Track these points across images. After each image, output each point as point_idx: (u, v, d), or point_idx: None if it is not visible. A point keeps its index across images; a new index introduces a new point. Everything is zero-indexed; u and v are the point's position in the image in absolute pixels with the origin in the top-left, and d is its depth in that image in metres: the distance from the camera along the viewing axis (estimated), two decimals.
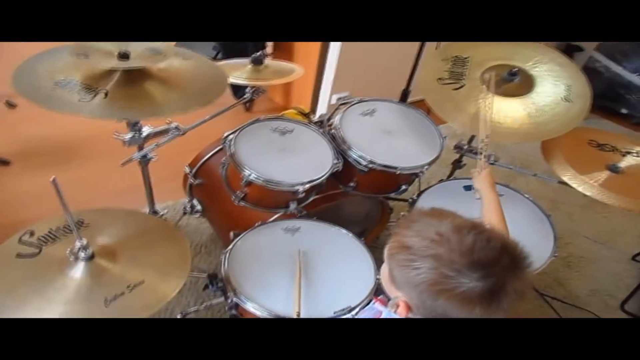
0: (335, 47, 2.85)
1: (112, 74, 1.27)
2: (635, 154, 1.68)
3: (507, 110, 1.60)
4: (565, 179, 1.59)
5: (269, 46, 3.37)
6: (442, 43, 1.86)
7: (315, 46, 2.99)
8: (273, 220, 1.52)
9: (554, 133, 1.57)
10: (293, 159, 1.51)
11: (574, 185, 1.57)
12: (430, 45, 1.92)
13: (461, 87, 1.68)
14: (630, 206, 1.53)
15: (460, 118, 1.59)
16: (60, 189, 0.89)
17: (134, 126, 1.37)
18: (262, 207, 1.51)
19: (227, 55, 2.81)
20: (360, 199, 1.76)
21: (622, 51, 3.78)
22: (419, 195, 1.69)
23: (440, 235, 0.74)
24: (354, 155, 1.54)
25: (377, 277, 1.34)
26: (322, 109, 3.15)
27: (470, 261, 0.70)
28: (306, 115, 1.81)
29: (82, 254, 1.02)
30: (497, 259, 0.71)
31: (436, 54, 1.76)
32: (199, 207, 1.87)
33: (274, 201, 1.50)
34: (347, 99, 2.38)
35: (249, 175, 1.38)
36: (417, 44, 2.05)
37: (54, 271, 1.02)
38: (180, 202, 2.12)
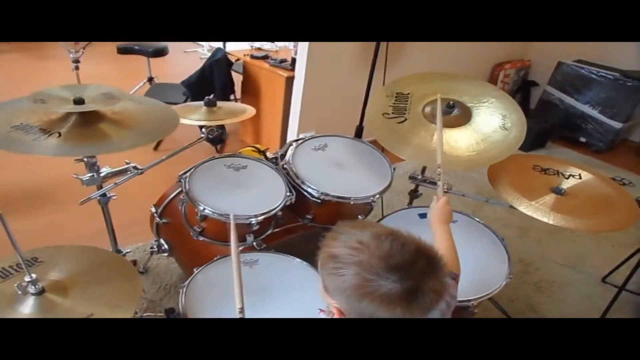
0: (298, 90, 2.99)
1: (69, 117, 1.35)
2: (577, 177, 1.78)
3: (450, 140, 1.70)
4: (512, 203, 1.66)
5: (237, 92, 3.52)
6: (387, 80, 1.97)
7: (279, 90, 3.14)
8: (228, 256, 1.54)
9: (495, 159, 1.67)
10: (247, 193, 1.57)
11: (521, 209, 1.63)
12: (377, 83, 2.04)
13: (404, 120, 1.78)
14: (579, 226, 1.58)
15: (406, 150, 1.68)
16: (7, 225, 0.93)
17: (92, 167, 1.43)
18: (220, 241, 1.55)
19: (195, 100, 2.92)
20: (321, 232, 1.81)
21: (572, 85, 4.01)
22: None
23: (361, 243, 0.81)
24: (306, 188, 1.61)
25: None
26: None
27: (387, 265, 0.76)
28: (262, 152, 1.89)
29: (31, 289, 1.05)
30: (413, 261, 0.77)
31: (381, 90, 1.87)
32: (165, 247, 1.90)
33: (226, 235, 1.54)
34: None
35: (203, 209, 1.43)
36: (378, 84, 2.17)
37: (2, 307, 1.04)
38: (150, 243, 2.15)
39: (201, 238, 1.53)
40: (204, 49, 5.69)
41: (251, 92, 3.39)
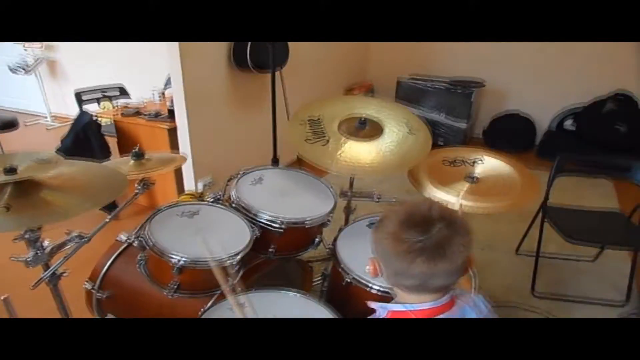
0: (184, 140, 2.92)
1: (3, 189, 1.16)
2: (480, 161, 1.99)
3: (374, 151, 1.83)
4: (437, 197, 1.79)
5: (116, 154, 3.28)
6: (291, 110, 2.03)
7: (163, 143, 3.02)
8: (213, 305, 1.41)
9: (415, 160, 1.85)
10: (213, 237, 1.48)
11: (446, 199, 1.77)
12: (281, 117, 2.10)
13: (327, 141, 1.88)
14: (497, 207, 1.78)
15: (337, 166, 1.74)
16: None
17: (35, 243, 1.23)
18: (198, 293, 1.44)
19: None
20: (278, 267, 1.79)
21: (414, 97, 4.58)
22: (334, 244, 1.74)
23: (399, 203, 0.96)
24: (265, 219, 1.60)
25: None
26: None
27: (409, 221, 0.89)
28: (199, 197, 1.82)
29: None
30: (433, 221, 0.88)
31: (294, 121, 1.93)
32: None
33: (209, 283, 1.44)
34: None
35: (179, 260, 1.33)
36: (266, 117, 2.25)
37: None
38: None
39: (177, 295, 1.40)
40: (47, 119, 5.16)
41: (129, 144, 3.19)
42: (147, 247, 1.36)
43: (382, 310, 1.00)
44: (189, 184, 3.04)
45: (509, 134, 4.60)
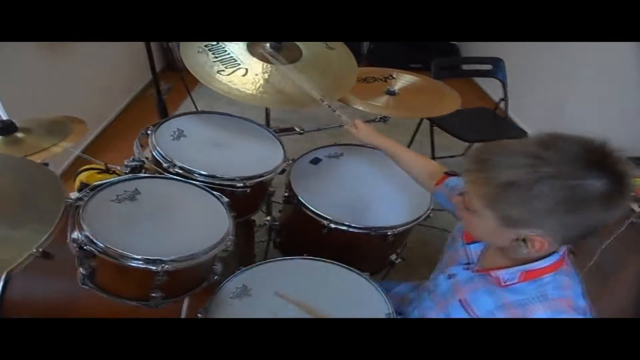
0: None
1: None
2: (391, 77, 1.97)
3: (300, 77, 1.54)
4: (368, 110, 1.75)
5: None
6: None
7: None
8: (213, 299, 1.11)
9: (351, 79, 1.68)
10: (181, 221, 1.10)
11: (370, 110, 1.76)
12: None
13: (247, 71, 1.54)
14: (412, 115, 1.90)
15: (273, 99, 1.46)
16: None
17: None
18: (187, 293, 1.08)
19: None
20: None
21: None
22: (292, 192, 1.50)
23: (536, 157, 0.71)
24: (226, 182, 1.27)
25: None
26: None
27: (582, 164, 0.70)
28: (107, 170, 1.31)
29: None
30: (606, 153, 0.70)
31: (187, 51, 1.51)
32: None
33: (196, 278, 1.11)
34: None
35: (163, 265, 0.93)
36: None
37: None
38: None
39: (163, 305, 1.01)
40: None
41: None
42: (98, 254, 0.92)
43: (508, 275, 0.84)
44: None
45: None
